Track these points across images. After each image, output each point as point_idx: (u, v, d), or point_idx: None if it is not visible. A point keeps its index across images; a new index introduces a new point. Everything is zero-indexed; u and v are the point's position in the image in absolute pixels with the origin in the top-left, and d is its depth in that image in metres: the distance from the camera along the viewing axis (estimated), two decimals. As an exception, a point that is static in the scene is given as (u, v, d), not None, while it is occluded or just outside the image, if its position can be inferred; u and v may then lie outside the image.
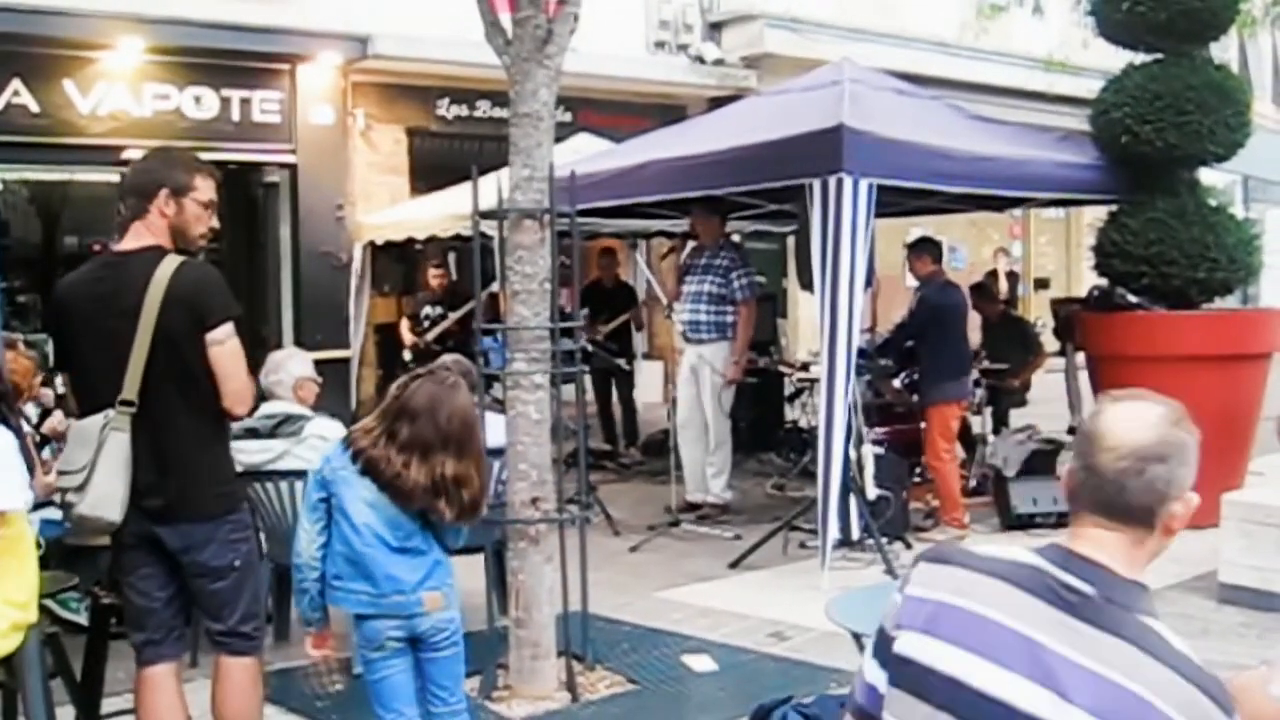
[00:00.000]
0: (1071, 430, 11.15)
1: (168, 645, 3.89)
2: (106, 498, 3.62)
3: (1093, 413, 2.05)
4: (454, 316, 10.29)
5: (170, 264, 3.71)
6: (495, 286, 6.03)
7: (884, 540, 7.17)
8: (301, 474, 5.32)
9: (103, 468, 3.61)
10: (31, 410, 6.39)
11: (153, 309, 3.64)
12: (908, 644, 2.02)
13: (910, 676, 2.00)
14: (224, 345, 3.73)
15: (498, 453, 5.37)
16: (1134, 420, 2.00)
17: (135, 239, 3.80)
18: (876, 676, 2.08)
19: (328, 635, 3.90)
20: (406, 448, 3.64)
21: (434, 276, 10.96)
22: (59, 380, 11.17)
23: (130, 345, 3.64)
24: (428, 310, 10.71)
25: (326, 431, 5.67)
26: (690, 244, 9.22)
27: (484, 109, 13.19)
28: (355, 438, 3.73)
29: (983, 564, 2.03)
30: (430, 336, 10.45)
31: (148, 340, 3.64)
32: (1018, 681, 1.88)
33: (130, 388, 3.64)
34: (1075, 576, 1.94)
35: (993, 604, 1.96)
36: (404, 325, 11.01)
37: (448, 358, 6.70)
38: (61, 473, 3.67)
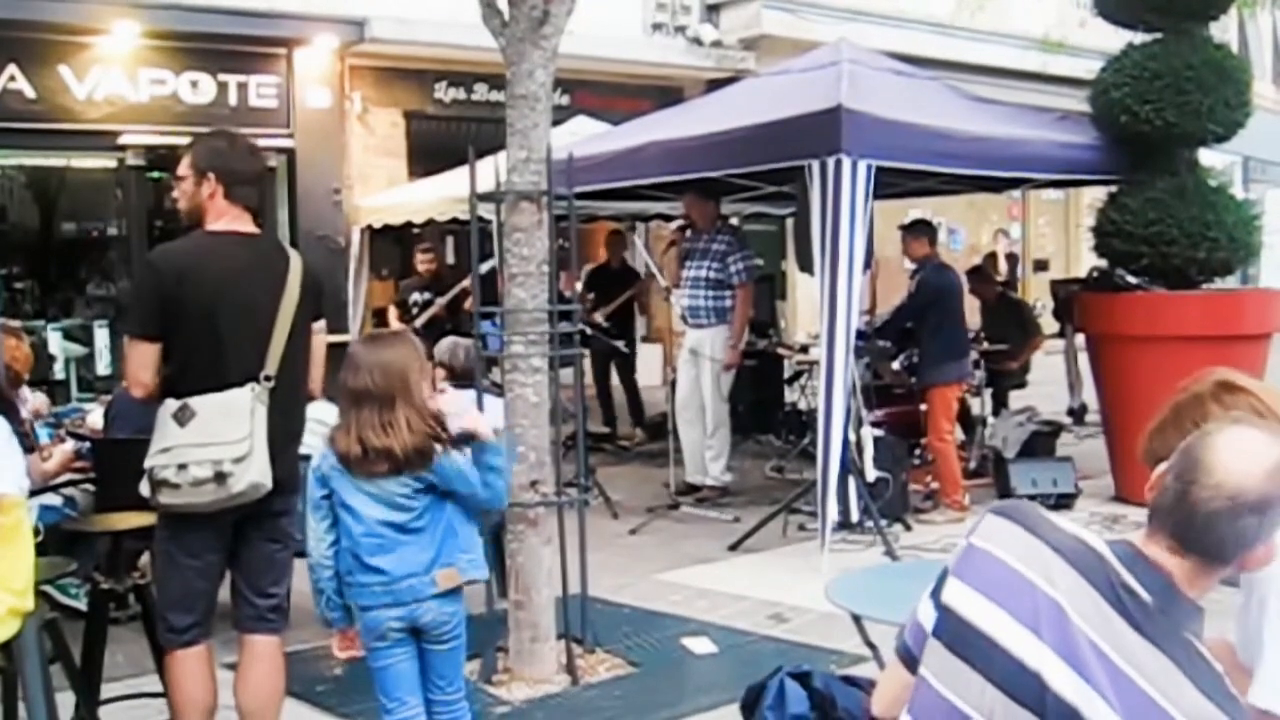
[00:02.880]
0: (1071, 412, 11.18)
1: (208, 625, 4.03)
2: (266, 466, 3.80)
3: (1207, 433, 1.96)
4: (441, 302, 10.26)
5: (295, 252, 4.08)
6: (485, 268, 5.99)
7: (883, 522, 7.17)
8: (301, 458, 5.31)
9: (258, 439, 3.78)
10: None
11: (294, 293, 3.92)
12: (954, 592, 2.00)
13: (951, 629, 1.98)
14: (322, 335, 4.15)
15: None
16: (1245, 461, 1.89)
17: (240, 222, 3.99)
18: (928, 616, 2.06)
19: (353, 634, 3.81)
20: (341, 422, 3.62)
21: (422, 262, 10.86)
22: (56, 366, 11.22)
23: (271, 323, 3.87)
24: (415, 296, 10.65)
25: (325, 415, 5.63)
26: (687, 232, 9.20)
27: (481, 92, 13.17)
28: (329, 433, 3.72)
29: (1049, 534, 1.98)
30: (419, 323, 10.42)
31: (289, 321, 3.90)
32: (1051, 657, 1.87)
33: (272, 364, 3.86)
34: (1137, 580, 1.90)
35: (1045, 577, 1.92)
36: (392, 312, 10.95)
37: (446, 340, 6.72)
38: (204, 445, 3.73)
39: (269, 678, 4.08)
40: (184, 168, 4.03)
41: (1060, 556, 1.94)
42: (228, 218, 3.97)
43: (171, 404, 3.79)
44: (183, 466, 3.71)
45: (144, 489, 3.83)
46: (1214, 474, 1.89)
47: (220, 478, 3.72)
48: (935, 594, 2.07)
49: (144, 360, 3.81)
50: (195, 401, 3.76)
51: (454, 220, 10.42)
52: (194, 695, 3.98)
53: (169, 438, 3.76)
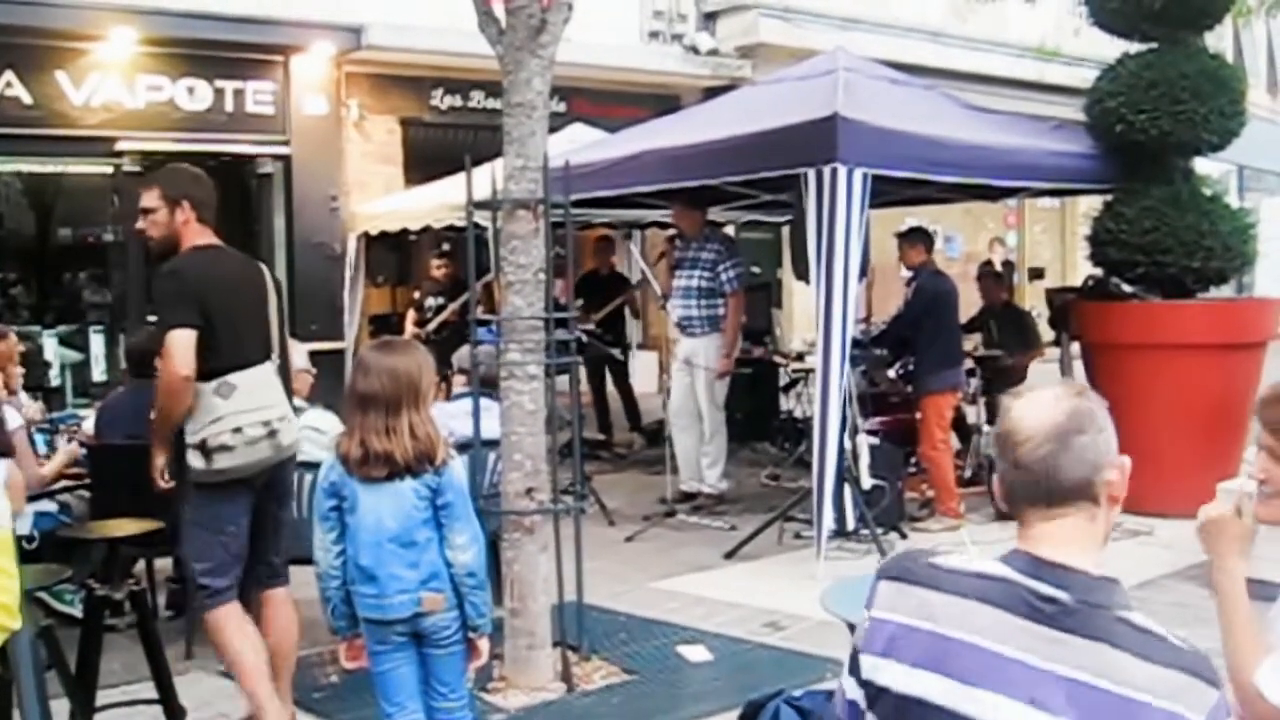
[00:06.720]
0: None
1: (237, 585, 4.49)
2: (296, 428, 4.57)
3: (1001, 415, 2.04)
4: (453, 307, 10.31)
5: (259, 262, 4.87)
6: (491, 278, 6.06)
7: (879, 530, 7.17)
8: (296, 465, 5.31)
9: (286, 404, 4.51)
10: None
11: (272, 292, 4.63)
12: (872, 669, 1.99)
13: (883, 702, 1.97)
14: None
15: (492, 443, 5.38)
16: (1039, 406, 1.98)
17: (215, 239, 4.56)
18: (854, 692, 2.04)
19: (360, 643, 3.79)
20: (347, 425, 3.66)
21: (436, 267, 11.00)
22: (52, 372, 11.21)
23: (266, 315, 4.56)
24: (430, 301, 10.75)
25: (320, 423, 5.66)
26: (677, 242, 9.21)
27: (478, 99, 13.18)
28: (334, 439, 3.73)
29: (948, 583, 1.97)
30: (430, 327, 10.47)
31: (275, 314, 4.60)
32: (994, 700, 1.85)
33: (274, 348, 4.54)
34: (1047, 584, 1.90)
35: (961, 625, 1.91)
36: (410, 316, 11.06)
37: (467, 347, 6.73)
38: (252, 410, 4.32)
39: (291, 621, 4.66)
40: (153, 200, 4.50)
41: (969, 599, 1.93)
42: (206, 235, 4.51)
43: (209, 385, 4.28)
44: (237, 430, 4.27)
45: (195, 461, 4.27)
46: (1023, 430, 1.95)
47: (272, 434, 4.35)
48: (853, 671, 2.05)
49: (191, 344, 4.24)
50: (232, 377, 4.31)
51: (450, 228, 10.43)
52: (250, 641, 4.40)
53: (215, 410, 4.28)
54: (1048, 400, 1.99)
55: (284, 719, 4.39)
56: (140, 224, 4.57)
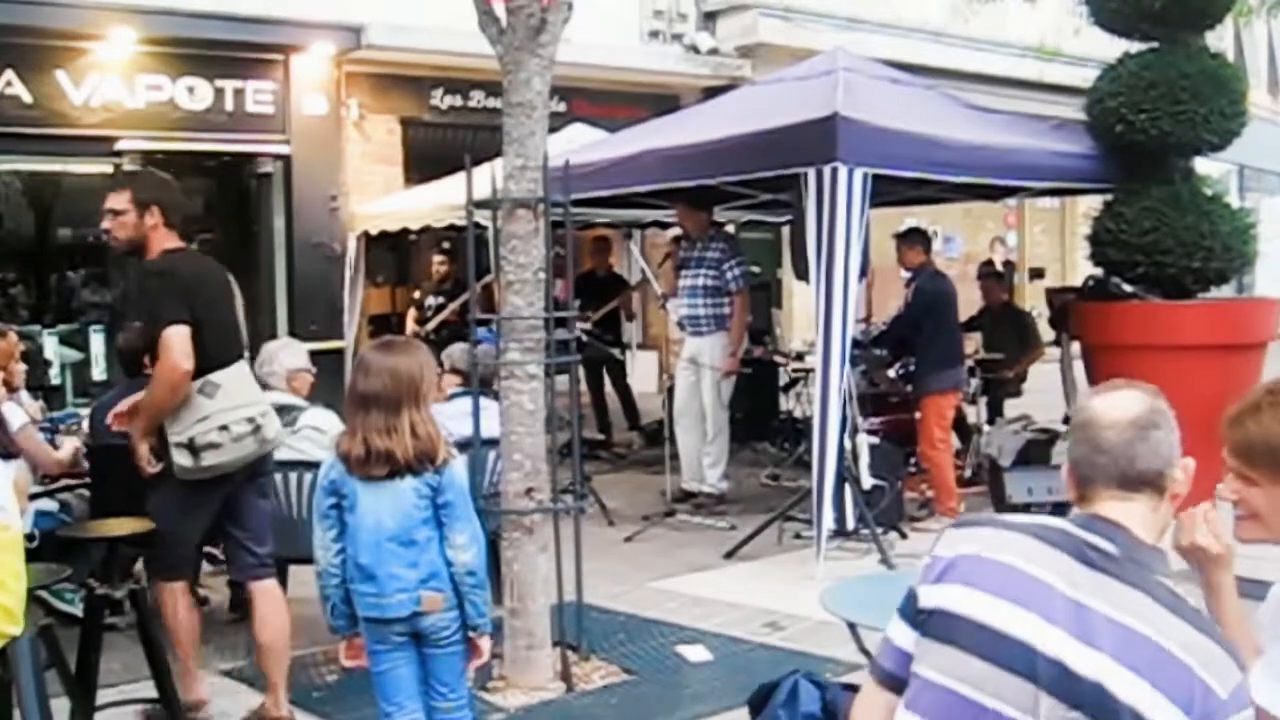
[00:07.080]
0: (1067, 420, 11.16)
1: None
2: (278, 421, 4.72)
3: (1080, 408, 2.21)
4: (453, 306, 10.31)
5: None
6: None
7: (879, 530, 7.17)
8: (296, 465, 5.32)
9: (265, 399, 4.68)
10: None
11: (237, 291, 4.80)
12: (927, 596, 2.14)
13: (934, 625, 2.11)
14: None
15: (492, 443, 5.38)
16: (1122, 399, 2.18)
17: (180, 242, 4.67)
18: (904, 638, 2.17)
19: (360, 643, 3.78)
20: (348, 425, 3.67)
21: (436, 264, 11.04)
22: (52, 371, 11.21)
23: (238, 315, 4.73)
24: (430, 300, 10.76)
25: (320, 422, 5.66)
26: (682, 243, 9.21)
27: (478, 99, 13.16)
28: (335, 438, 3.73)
29: (1008, 523, 2.16)
30: (430, 326, 10.47)
31: (242, 311, 4.77)
32: (1037, 623, 1.99)
33: (246, 344, 4.75)
34: (1098, 536, 2.07)
35: (1014, 553, 2.08)
36: (410, 315, 11.07)
37: (458, 346, 6.72)
38: (236, 407, 4.45)
39: (282, 616, 4.70)
40: (123, 203, 4.58)
41: (1023, 534, 2.12)
42: (173, 239, 4.61)
43: (193, 384, 4.38)
44: (223, 427, 4.39)
45: (182, 459, 4.37)
46: (1107, 417, 2.16)
47: (257, 429, 4.48)
48: (905, 614, 2.19)
49: (189, 339, 4.34)
50: (215, 376, 4.44)
51: (450, 227, 10.43)
52: (189, 613, 4.65)
53: (202, 409, 4.39)
54: (1129, 397, 2.20)
55: (202, 691, 4.66)
56: (106, 224, 4.64)
